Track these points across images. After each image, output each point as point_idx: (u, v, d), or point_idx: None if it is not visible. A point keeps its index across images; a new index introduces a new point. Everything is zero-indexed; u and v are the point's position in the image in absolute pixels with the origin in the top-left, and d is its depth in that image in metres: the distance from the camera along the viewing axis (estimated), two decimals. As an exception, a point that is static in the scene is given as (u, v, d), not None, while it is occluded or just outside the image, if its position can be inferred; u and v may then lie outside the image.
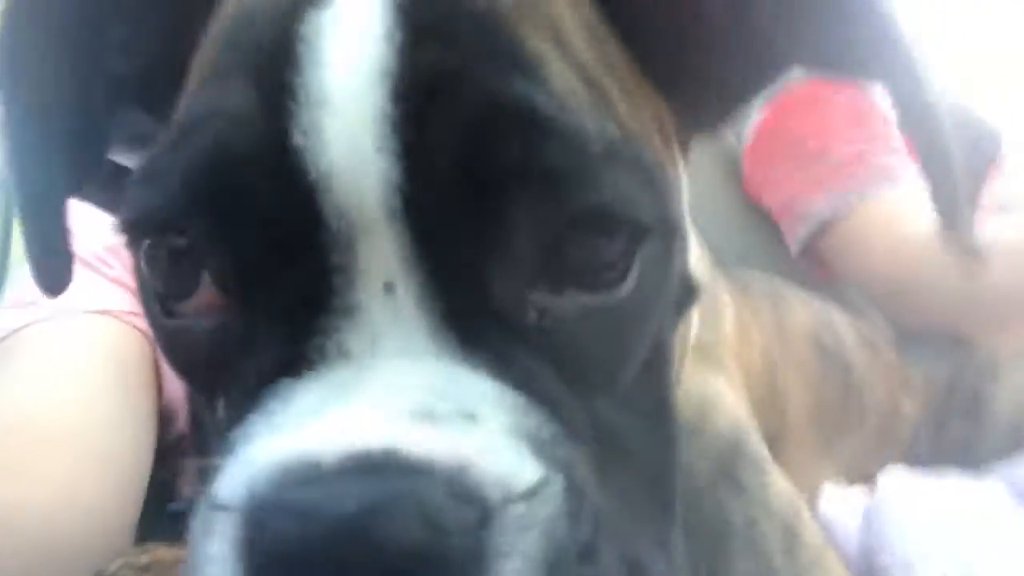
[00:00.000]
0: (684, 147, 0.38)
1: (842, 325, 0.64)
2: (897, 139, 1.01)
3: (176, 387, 0.64)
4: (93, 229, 0.65)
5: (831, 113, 1.02)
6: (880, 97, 1.06)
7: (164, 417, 0.63)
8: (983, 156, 1.07)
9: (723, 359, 0.44)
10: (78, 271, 0.63)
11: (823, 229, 0.97)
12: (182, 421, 0.64)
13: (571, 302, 0.26)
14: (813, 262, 1.02)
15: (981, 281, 0.80)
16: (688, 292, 0.33)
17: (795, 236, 1.01)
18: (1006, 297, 0.79)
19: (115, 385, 0.60)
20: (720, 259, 0.53)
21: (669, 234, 0.29)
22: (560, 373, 0.26)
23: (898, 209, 0.92)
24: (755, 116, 1.15)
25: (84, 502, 0.53)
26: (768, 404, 0.50)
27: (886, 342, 0.69)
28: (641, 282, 0.27)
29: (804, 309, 0.61)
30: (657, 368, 0.30)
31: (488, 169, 0.24)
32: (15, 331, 0.61)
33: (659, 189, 0.28)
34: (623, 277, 0.27)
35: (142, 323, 0.64)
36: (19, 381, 0.58)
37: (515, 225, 0.25)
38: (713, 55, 0.33)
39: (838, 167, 0.97)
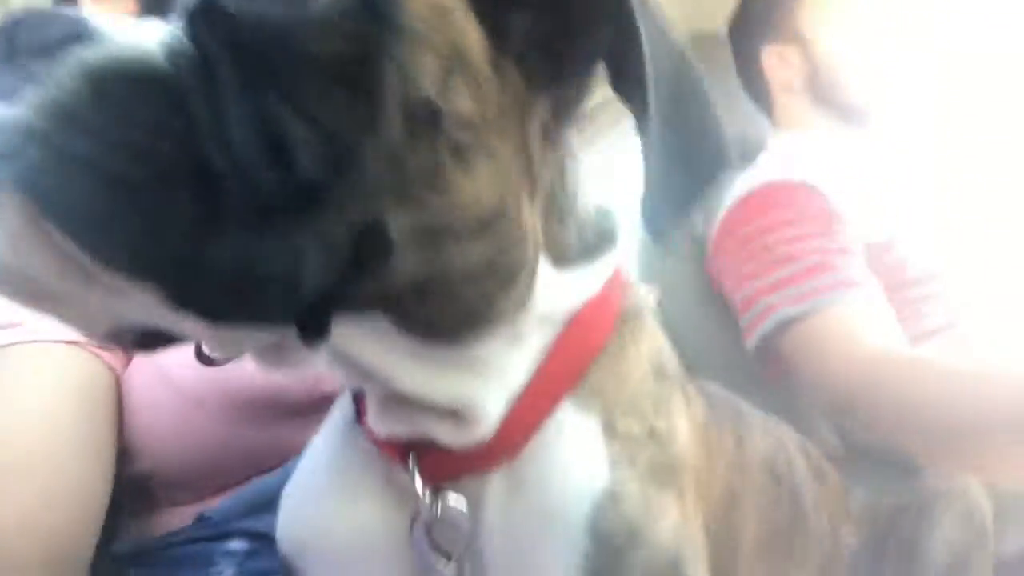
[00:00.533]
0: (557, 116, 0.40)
1: (795, 450, 0.64)
2: (857, 250, 1.05)
3: (141, 424, 0.63)
4: None
5: (801, 219, 1.05)
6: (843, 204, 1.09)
7: (121, 455, 0.63)
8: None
9: (679, 474, 0.44)
10: None
11: (781, 329, 0.99)
12: (141, 461, 0.63)
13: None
14: (768, 359, 1.03)
15: (926, 404, 0.83)
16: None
17: (753, 332, 1.03)
18: (948, 423, 0.81)
19: (81, 416, 0.60)
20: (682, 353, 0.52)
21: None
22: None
23: (856, 320, 0.95)
24: (726, 202, 1.18)
25: (44, 530, 0.54)
26: (723, 538, 0.49)
27: (830, 465, 0.70)
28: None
29: (763, 437, 0.61)
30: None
31: None
32: None
33: None
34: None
35: (111, 357, 0.64)
36: None
37: None
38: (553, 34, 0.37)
39: (803, 272, 1.00)
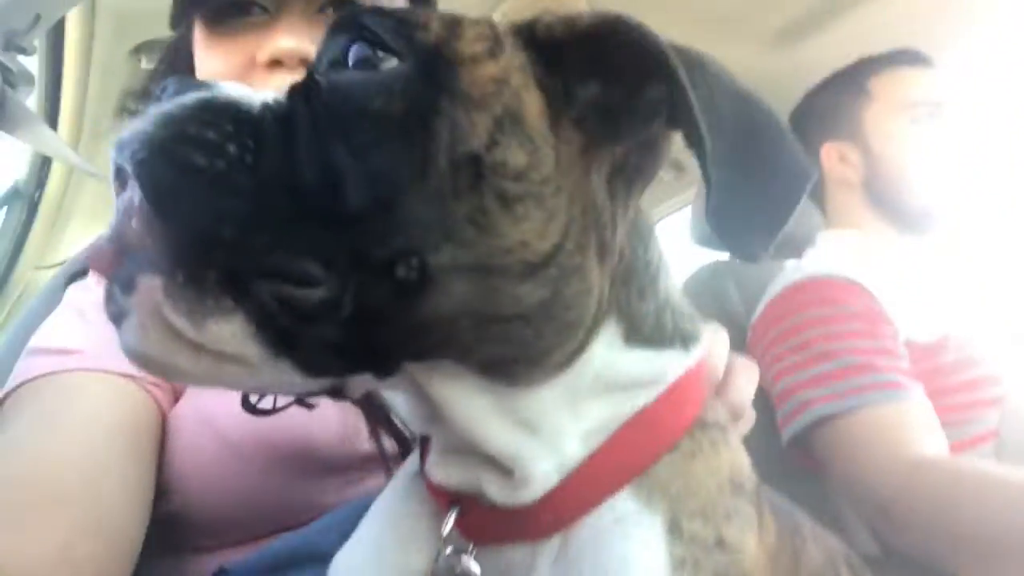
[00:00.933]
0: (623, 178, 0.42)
1: (842, 562, 0.61)
2: (902, 353, 1.03)
3: (179, 464, 0.64)
4: None
5: (844, 319, 1.04)
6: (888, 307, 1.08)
7: (157, 492, 0.63)
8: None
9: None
10: (112, 328, 0.64)
11: (817, 425, 0.97)
12: (171, 502, 0.64)
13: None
14: (801, 453, 1.01)
15: (968, 515, 0.80)
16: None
17: (789, 425, 1.01)
18: (988, 538, 0.78)
19: (126, 449, 0.61)
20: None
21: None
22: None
23: (898, 425, 0.93)
24: (771, 293, 1.18)
25: (83, 559, 0.54)
26: None
27: (865, 570, 0.67)
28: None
29: (817, 551, 0.58)
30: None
31: None
32: (42, 376, 0.62)
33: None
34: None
35: (161, 394, 0.66)
36: (34, 431, 0.59)
37: None
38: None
39: (844, 369, 0.98)
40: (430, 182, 0.35)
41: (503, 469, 0.40)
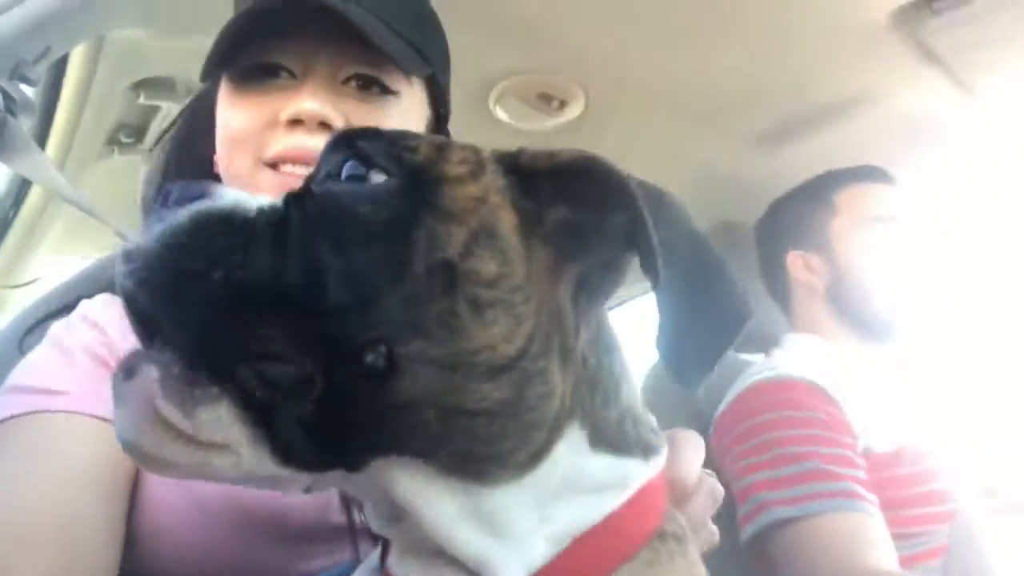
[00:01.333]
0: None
1: None
2: (860, 463, 1.05)
3: (151, 522, 0.64)
4: (124, 334, 0.67)
5: (807, 423, 1.06)
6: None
7: (126, 543, 0.63)
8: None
9: None
10: (99, 373, 0.65)
11: (774, 528, 0.98)
12: (140, 560, 0.63)
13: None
14: (758, 553, 1.01)
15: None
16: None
17: (748, 524, 1.02)
18: None
19: (102, 497, 0.61)
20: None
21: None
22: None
23: (853, 535, 0.94)
24: (736, 389, 1.20)
25: None
26: None
27: None
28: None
29: None
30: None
31: None
32: (24, 415, 0.62)
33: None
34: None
35: None
36: (13, 471, 0.59)
37: None
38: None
39: (804, 474, 1.00)
40: (406, 283, 0.38)
41: (468, 571, 0.41)
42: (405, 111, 0.73)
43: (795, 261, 1.36)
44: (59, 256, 1.65)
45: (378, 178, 0.41)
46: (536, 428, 0.41)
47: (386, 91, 0.71)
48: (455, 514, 0.40)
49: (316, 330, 0.36)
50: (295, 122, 0.68)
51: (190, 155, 0.78)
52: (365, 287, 0.37)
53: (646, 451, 0.46)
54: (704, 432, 1.25)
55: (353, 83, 0.71)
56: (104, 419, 0.62)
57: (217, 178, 0.74)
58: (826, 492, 0.98)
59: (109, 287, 0.73)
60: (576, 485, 0.43)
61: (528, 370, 0.40)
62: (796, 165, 1.44)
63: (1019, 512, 1.24)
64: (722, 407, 1.23)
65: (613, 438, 0.45)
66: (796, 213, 1.39)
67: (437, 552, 0.41)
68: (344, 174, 0.42)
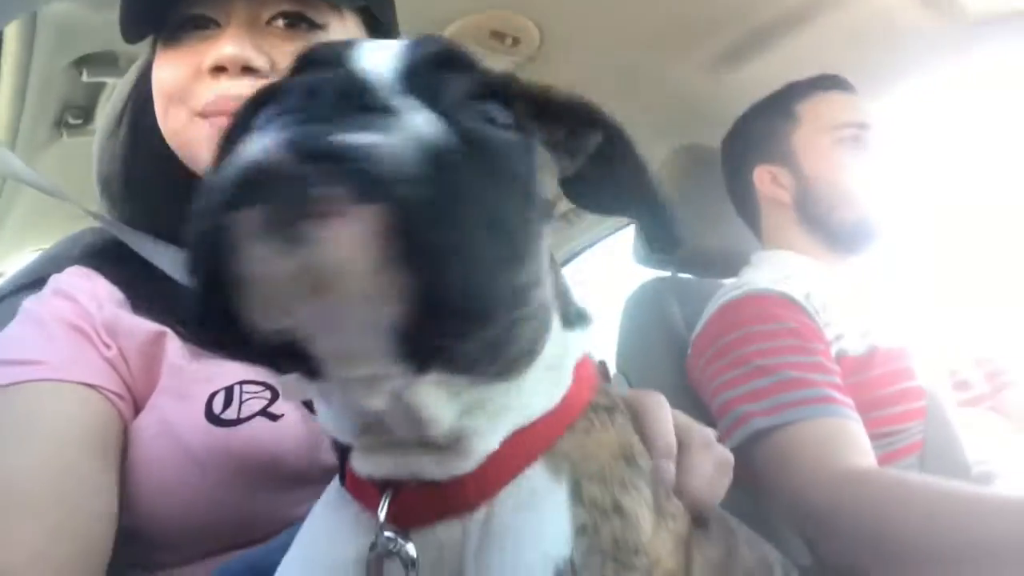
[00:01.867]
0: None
1: (776, 563, 0.65)
2: (835, 368, 1.08)
3: (139, 478, 0.64)
4: (98, 304, 0.67)
5: (780, 335, 1.08)
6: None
7: (119, 505, 0.63)
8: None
9: (641, 559, 0.45)
10: (77, 341, 0.65)
11: (754, 440, 1.01)
12: (127, 517, 0.64)
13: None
14: (741, 465, 1.04)
15: (890, 526, 0.84)
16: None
17: (728, 438, 1.05)
18: (911, 545, 0.82)
19: (91, 456, 0.61)
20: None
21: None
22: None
23: (829, 438, 0.97)
24: (710, 309, 1.22)
25: (53, 565, 0.55)
26: None
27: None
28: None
29: (750, 551, 0.62)
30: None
31: None
32: (4, 386, 0.62)
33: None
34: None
35: (124, 404, 0.66)
36: (3, 441, 0.59)
37: None
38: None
39: (780, 384, 1.03)
40: (531, 222, 0.40)
41: (440, 448, 0.42)
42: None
43: (762, 176, 1.37)
44: (19, 245, 1.63)
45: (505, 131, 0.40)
46: (547, 330, 0.45)
47: (314, 26, 0.71)
48: (457, 408, 0.41)
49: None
50: (219, 69, 0.68)
51: (145, 124, 0.77)
52: (505, 228, 0.35)
53: (583, 321, 0.51)
54: (683, 355, 1.28)
55: (280, 22, 0.70)
56: (89, 384, 0.63)
57: (168, 150, 0.73)
58: (802, 400, 1.01)
59: (78, 261, 0.73)
60: (553, 363, 0.47)
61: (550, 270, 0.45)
62: (759, 82, 1.43)
63: (987, 402, 1.28)
64: (697, 330, 1.25)
65: (566, 314, 0.49)
66: (759, 127, 1.39)
67: (409, 442, 0.42)
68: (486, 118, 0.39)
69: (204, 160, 0.71)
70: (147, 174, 0.77)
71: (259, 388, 0.64)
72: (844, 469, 0.93)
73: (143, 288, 0.69)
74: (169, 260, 0.71)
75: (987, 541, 0.78)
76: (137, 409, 0.67)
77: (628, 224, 1.97)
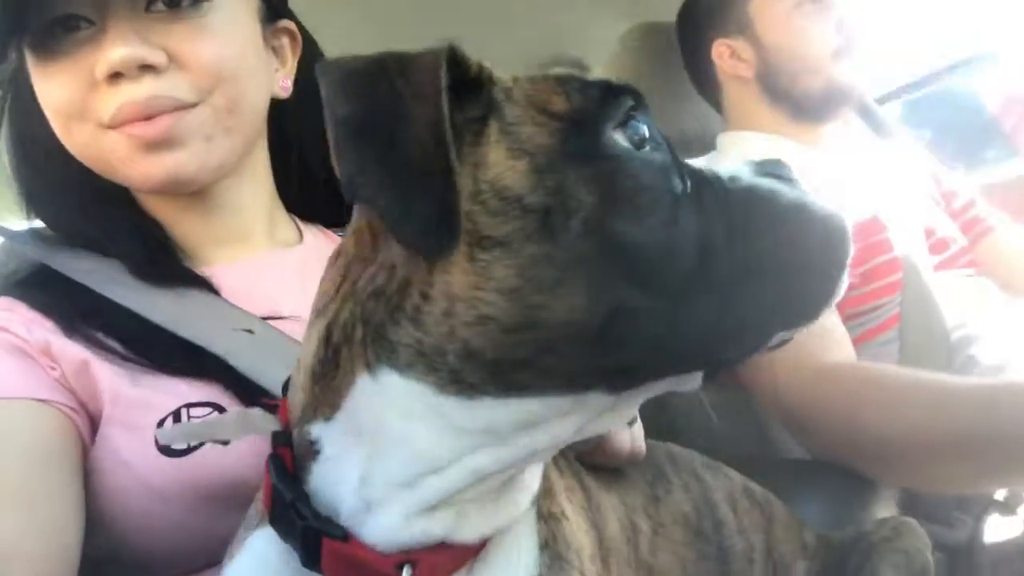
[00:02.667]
0: None
1: (725, 505, 0.66)
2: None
3: (102, 508, 0.63)
4: (27, 329, 0.63)
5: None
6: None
7: (86, 531, 0.62)
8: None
9: (581, 552, 0.48)
10: (22, 361, 0.63)
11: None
12: (102, 543, 0.63)
13: None
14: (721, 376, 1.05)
15: (866, 419, 0.85)
16: None
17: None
18: (888, 438, 0.83)
19: (56, 466, 0.60)
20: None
21: None
22: None
23: (805, 335, 0.96)
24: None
25: (27, 556, 0.54)
26: (633, 563, 0.54)
27: (780, 503, 0.72)
28: None
29: (686, 495, 0.63)
30: None
31: None
32: None
33: None
34: None
35: (79, 418, 0.63)
36: None
37: None
38: None
39: None
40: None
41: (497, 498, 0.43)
42: (228, 11, 0.67)
43: (721, 51, 1.29)
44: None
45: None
46: None
47: (196, 1, 0.64)
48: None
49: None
50: (115, 75, 0.61)
51: (31, 135, 0.70)
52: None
53: None
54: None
55: (160, 4, 0.63)
56: (40, 400, 0.61)
57: (64, 153, 0.67)
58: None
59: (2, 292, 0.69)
60: None
61: None
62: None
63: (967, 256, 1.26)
64: None
65: None
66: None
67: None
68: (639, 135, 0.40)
69: (123, 171, 0.66)
70: (50, 184, 0.71)
71: (205, 411, 0.62)
72: (819, 365, 0.93)
73: (73, 309, 0.65)
74: (93, 272, 0.67)
75: (956, 431, 0.78)
76: (93, 424, 0.65)
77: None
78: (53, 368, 0.63)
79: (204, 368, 0.62)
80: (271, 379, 0.61)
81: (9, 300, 0.67)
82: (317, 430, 0.42)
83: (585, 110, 0.39)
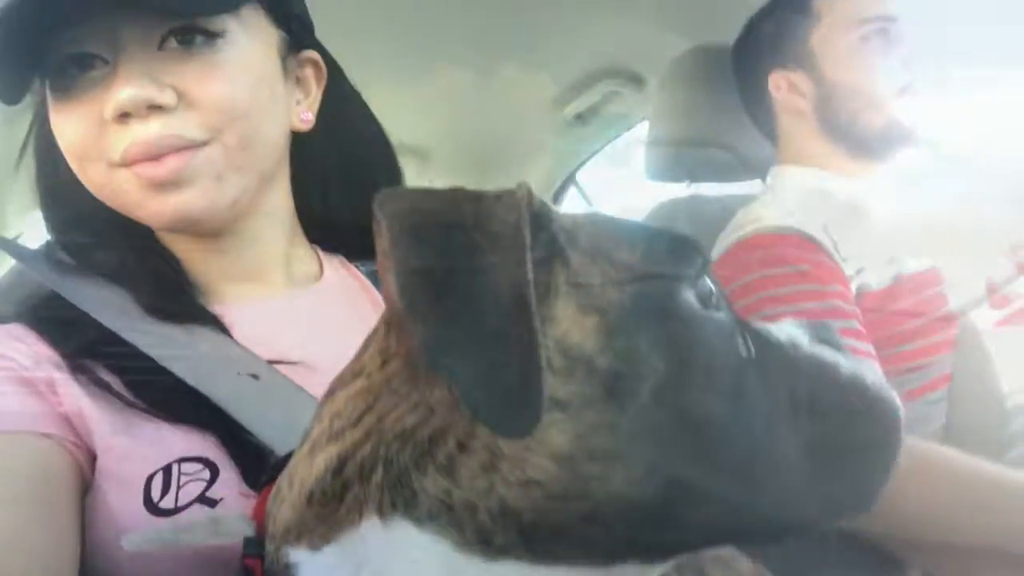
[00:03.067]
0: None
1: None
2: (853, 310, 1.00)
3: (104, 559, 0.62)
4: (47, 363, 0.64)
5: (794, 279, 1.02)
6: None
7: None
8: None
9: None
10: (27, 394, 0.62)
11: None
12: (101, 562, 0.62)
13: None
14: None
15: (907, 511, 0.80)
16: None
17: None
18: (932, 531, 0.78)
19: (43, 511, 0.58)
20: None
21: None
22: None
23: None
24: (724, 243, 1.14)
25: (27, 554, 0.54)
26: None
27: None
28: None
29: None
30: None
31: None
32: None
33: None
34: None
35: (80, 453, 0.62)
36: None
37: None
38: None
39: (812, 292, 0.96)
40: None
41: None
42: (243, 46, 0.65)
43: (778, 83, 1.23)
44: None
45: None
46: None
47: (211, 37, 0.63)
48: None
49: None
50: (124, 115, 0.61)
51: (54, 167, 0.70)
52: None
53: None
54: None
55: (174, 42, 0.62)
56: (45, 434, 0.60)
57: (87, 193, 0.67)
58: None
59: (13, 319, 0.70)
60: None
61: None
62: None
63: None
64: (713, 259, 1.18)
65: None
66: (773, 28, 1.24)
67: None
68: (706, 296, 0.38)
69: (136, 210, 0.66)
70: (74, 216, 0.72)
71: (197, 467, 0.60)
72: None
73: (80, 343, 0.65)
74: (103, 303, 0.66)
75: (1005, 538, 0.73)
76: (94, 461, 0.64)
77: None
78: (60, 404, 0.62)
79: (201, 417, 0.61)
80: (270, 429, 0.59)
81: (21, 328, 0.67)
82: (299, 556, 0.39)
83: (657, 264, 0.36)
